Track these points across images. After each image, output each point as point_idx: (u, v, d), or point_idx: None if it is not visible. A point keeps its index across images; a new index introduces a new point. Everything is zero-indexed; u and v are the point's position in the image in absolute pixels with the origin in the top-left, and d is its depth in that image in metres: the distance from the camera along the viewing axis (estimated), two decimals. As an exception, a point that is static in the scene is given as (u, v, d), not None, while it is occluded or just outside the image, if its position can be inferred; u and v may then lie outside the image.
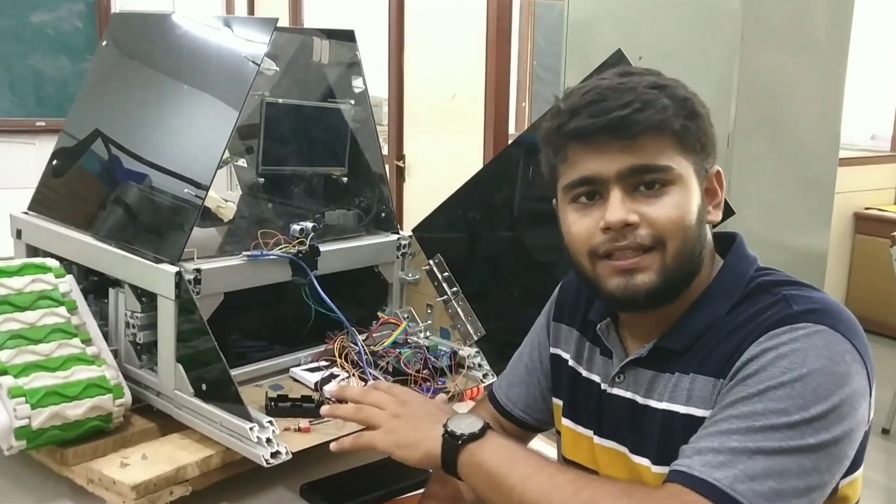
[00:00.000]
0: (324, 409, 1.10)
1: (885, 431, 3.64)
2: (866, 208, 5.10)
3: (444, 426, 0.95)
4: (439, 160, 4.02)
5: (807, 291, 0.92)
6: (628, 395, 1.00)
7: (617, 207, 0.90)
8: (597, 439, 1.05)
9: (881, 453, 3.50)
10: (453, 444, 0.93)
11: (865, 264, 5.04)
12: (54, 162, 1.46)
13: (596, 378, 1.06)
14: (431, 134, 4.08)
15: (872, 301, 4.92)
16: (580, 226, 0.94)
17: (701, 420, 0.89)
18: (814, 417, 0.81)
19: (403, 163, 4.15)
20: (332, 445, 1.03)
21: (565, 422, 1.12)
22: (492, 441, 0.92)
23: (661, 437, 0.94)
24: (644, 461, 0.97)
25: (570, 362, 1.12)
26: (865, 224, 5.07)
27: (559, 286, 1.20)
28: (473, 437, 0.92)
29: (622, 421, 1.01)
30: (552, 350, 1.16)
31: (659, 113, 0.89)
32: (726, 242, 1.01)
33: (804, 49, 2.87)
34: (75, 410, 1.14)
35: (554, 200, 1.02)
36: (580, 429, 1.09)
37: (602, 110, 0.90)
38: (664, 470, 0.89)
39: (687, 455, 0.85)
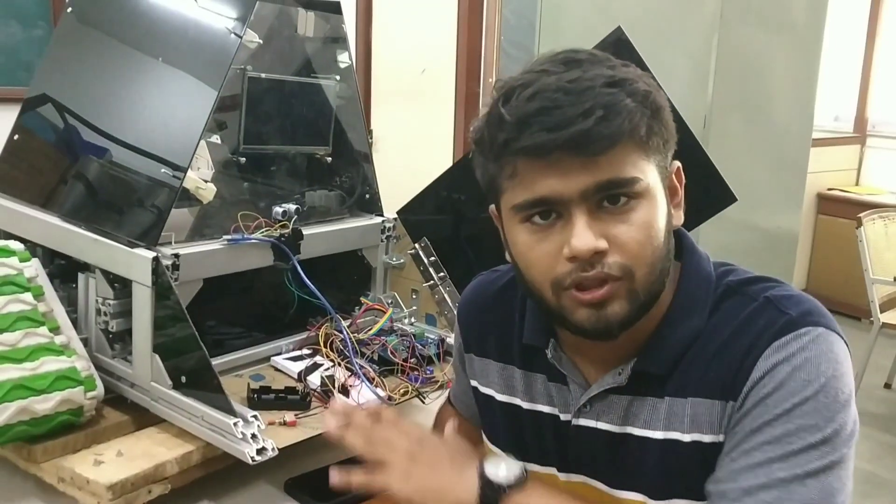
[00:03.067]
0: (329, 423, 0.92)
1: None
2: (829, 189, 5.16)
3: (481, 474, 0.85)
4: (409, 136, 3.96)
5: (782, 289, 0.86)
6: (601, 425, 0.91)
7: (584, 234, 0.79)
8: (563, 476, 0.96)
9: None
10: (493, 496, 0.84)
11: (828, 244, 5.12)
12: (17, 136, 1.37)
13: (546, 409, 0.96)
14: (400, 109, 4.01)
15: (834, 281, 5.00)
16: (539, 252, 0.83)
17: (710, 446, 0.83)
18: (841, 426, 0.78)
19: (371, 138, 4.07)
20: (335, 477, 0.89)
21: None
22: (536, 492, 0.85)
23: (659, 468, 0.87)
24: (635, 496, 0.89)
25: (500, 397, 1.01)
26: (828, 205, 5.14)
27: (457, 314, 1.10)
28: (517, 487, 0.84)
29: (596, 454, 0.92)
30: (471, 382, 1.07)
31: (626, 121, 0.78)
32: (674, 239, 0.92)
33: (781, 29, 2.87)
34: (44, 404, 1.07)
35: (492, 206, 0.91)
36: (537, 468, 0.98)
37: (559, 123, 0.77)
38: None
39: (732, 497, 0.79)
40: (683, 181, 0.90)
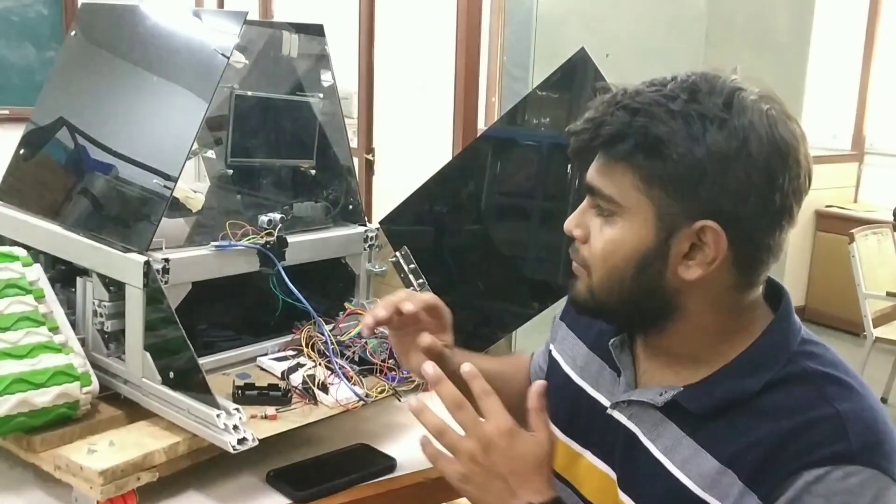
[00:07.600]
0: (413, 406, 0.90)
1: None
2: (827, 206, 5.21)
3: None
4: (408, 153, 4.04)
5: (857, 399, 0.83)
6: (630, 425, 0.95)
7: (573, 216, 0.93)
8: (593, 459, 1.00)
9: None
10: None
11: (826, 261, 5.15)
12: (21, 151, 1.46)
13: (598, 397, 1.01)
14: (401, 127, 4.10)
15: (832, 297, 5.04)
16: None
17: (693, 495, 0.85)
18: None
19: (373, 156, 4.16)
20: (425, 443, 0.91)
21: (559, 433, 1.03)
22: None
23: (661, 498, 0.90)
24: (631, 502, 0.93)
25: (568, 369, 1.07)
26: (826, 222, 5.18)
27: None
28: None
29: (616, 448, 0.96)
30: (550, 345, 1.13)
31: (610, 134, 0.85)
32: (773, 293, 0.92)
33: (766, 49, 2.94)
34: (42, 398, 1.14)
35: None
36: (574, 445, 1.03)
37: (580, 132, 0.88)
38: None
39: None
40: (721, 246, 0.84)
